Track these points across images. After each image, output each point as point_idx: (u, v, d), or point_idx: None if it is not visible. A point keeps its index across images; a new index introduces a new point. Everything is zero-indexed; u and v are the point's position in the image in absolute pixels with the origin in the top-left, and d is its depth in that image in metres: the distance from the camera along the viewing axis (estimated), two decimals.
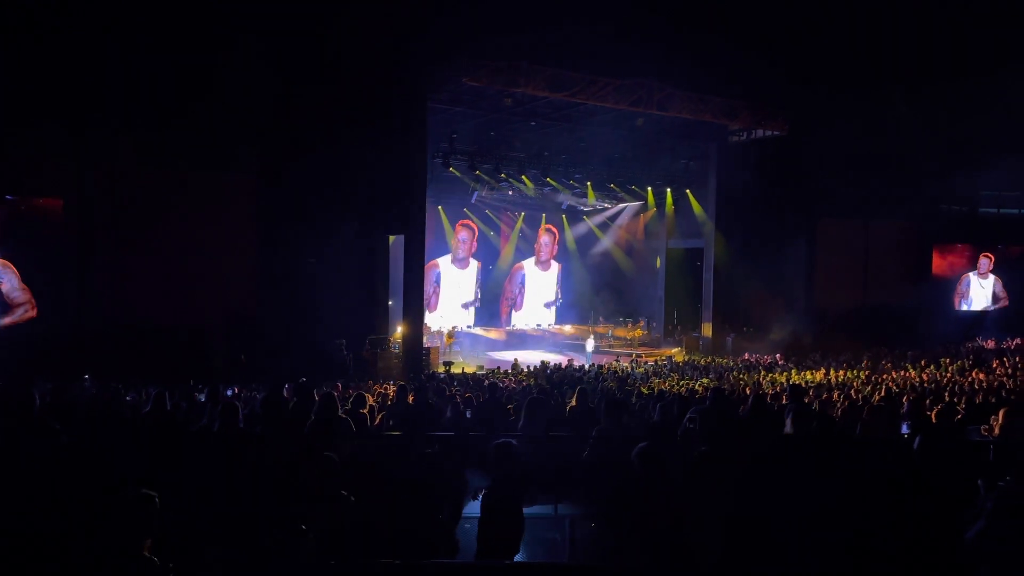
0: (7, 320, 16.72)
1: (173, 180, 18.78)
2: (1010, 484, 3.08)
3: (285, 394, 7.99)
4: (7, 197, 17.16)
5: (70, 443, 4.70)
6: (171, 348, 16.41)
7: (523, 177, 25.62)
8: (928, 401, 9.20)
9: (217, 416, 5.50)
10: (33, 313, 16.95)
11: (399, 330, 21.02)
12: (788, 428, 5.63)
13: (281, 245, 19.16)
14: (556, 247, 32.29)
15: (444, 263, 28.89)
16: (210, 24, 17.38)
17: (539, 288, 32.04)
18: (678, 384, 15.77)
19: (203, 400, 7.94)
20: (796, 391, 7.88)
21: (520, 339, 29.48)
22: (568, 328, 31.15)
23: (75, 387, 10.58)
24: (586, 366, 20.44)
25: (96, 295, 17.84)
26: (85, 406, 8.37)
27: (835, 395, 11.30)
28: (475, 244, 29.81)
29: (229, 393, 9.79)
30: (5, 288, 16.69)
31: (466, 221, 29.38)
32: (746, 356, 22.37)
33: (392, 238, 21.08)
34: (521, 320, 31.17)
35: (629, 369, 19.82)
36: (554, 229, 32.05)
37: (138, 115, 17.47)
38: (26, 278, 17.00)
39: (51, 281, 17.38)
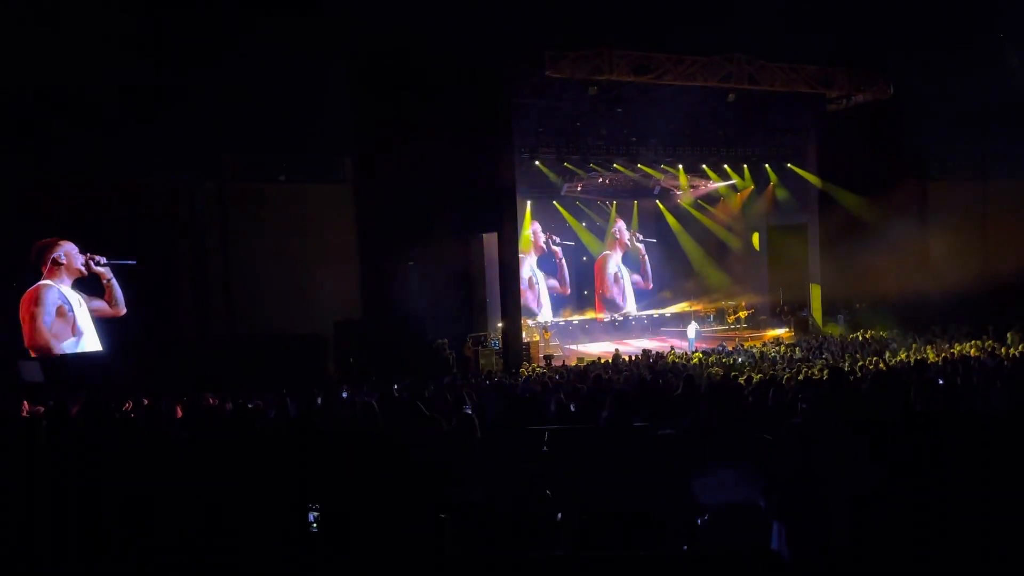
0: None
1: (275, 192, 19.58)
2: None
3: (395, 394, 8.22)
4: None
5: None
6: (286, 356, 17.09)
7: (615, 165, 25.34)
8: None
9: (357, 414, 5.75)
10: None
11: (499, 326, 21.23)
12: (923, 406, 5.38)
13: (381, 249, 19.68)
14: (634, 232, 31.39)
15: (532, 259, 28.52)
16: (297, 37, 17.93)
17: (628, 276, 31.44)
18: (791, 368, 15.23)
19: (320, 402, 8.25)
20: (920, 367, 7.49)
21: (619, 327, 29.19)
22: (668, 313, 30.62)
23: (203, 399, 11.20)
24: (689, 352, 20.07)
25: (210, 308, 18.76)
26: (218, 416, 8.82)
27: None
28: (545, 234, 29.19)
29: (344, 396, 10.16)
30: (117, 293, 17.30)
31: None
32: (859, 334, 21.42)
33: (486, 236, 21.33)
34: (621, 307, 30.75)
35: (735, 353, 19.29)
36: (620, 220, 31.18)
37: (240, 131, 18.25)
38: (143, 294, 17.62)
39: (168, 295, 18.31)
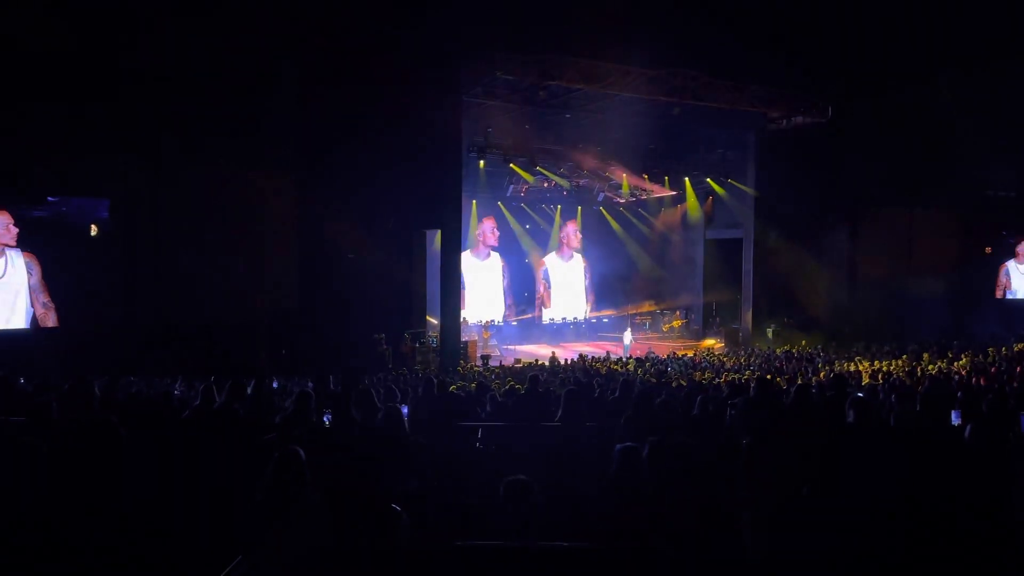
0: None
1: (216, 179, 19.04)
2: None
3: (331, 385, 8.12)
4: (49, 199, 17.56)
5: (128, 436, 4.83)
6: (217, 344, 16.67)
7: (562, 170, 25.58)
8: (977, 390, 9.00)
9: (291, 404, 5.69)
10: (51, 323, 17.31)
11: (436, 323, 21.17)
12: (851, 418, 5.60)
13: (321, 241, 19.37)
14: (578, 238, 31.79)
15: (465, 256, 28.58)
16: (248, 25, 17.55)
17: (566, 280, 31.76)
18: (719, 376, 15.61)
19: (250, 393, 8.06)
20: (840, 382, 7.77)
21: (557, 331, 29.45)
22: (605, 318, 31.04)
23: (125, 383, 10.85)
24: (624, 358, 20.37)
25: (142, 293, 18.20)
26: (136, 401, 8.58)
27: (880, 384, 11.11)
28: (496, 234, 29.41)
29: (275, 385, 9.98)
30: (33, 281, 17.04)
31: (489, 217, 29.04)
32: (787, 347, 22.08)
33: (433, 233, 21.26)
34: (553, 313, 31.02)
35: (668, 361, 19.67)
36: (574, 222, 31.62)
37: (181, 115, 17.73)
38: (74, 278, 17.28)
39: (97, 279, 17.73)
